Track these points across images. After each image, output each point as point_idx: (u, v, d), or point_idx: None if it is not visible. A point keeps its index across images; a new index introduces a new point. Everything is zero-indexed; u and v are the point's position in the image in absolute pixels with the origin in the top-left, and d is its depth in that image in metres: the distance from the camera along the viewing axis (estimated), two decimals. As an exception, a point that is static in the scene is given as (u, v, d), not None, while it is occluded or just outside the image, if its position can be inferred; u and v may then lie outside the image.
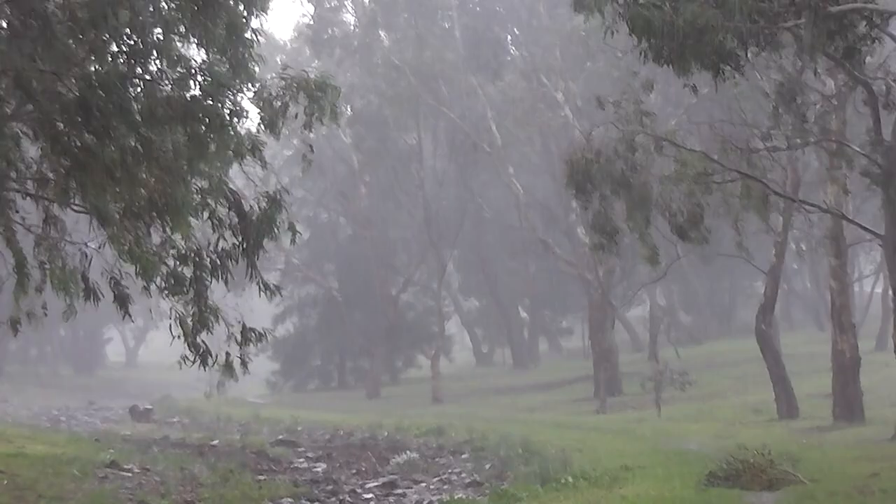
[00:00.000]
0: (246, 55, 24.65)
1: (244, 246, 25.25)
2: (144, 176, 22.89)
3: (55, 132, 21.87)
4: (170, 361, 25.64)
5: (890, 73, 28.07)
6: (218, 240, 25.38)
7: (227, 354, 26.18)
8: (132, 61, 23.38)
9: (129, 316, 25.58)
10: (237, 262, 25.49)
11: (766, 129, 32.05)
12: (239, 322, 26.20)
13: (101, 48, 22.67)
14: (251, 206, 25.24)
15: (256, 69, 24.96)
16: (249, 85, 25.01)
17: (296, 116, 25.56)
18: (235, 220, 25.25)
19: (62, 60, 21.68)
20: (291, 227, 25.75)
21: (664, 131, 32.05)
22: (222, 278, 25.57)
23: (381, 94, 69.63)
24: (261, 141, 25.50)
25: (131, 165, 22.13)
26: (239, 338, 26.18)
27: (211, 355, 25.85)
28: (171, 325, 25.71)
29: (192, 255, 25.39)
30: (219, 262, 25.41)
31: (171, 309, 26.15)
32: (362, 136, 72.91)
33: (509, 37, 72.48)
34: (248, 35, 24.54)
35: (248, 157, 25.37)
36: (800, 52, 25.31)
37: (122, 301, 24.98)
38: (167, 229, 24.32)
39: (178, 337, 25.77)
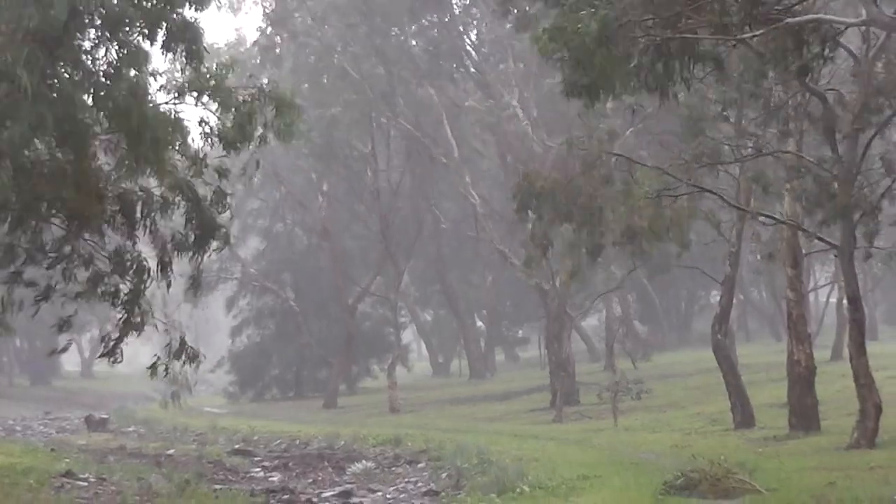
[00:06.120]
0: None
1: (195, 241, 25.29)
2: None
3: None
4: (126, 372, 25.65)
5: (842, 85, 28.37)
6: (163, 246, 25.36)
7: (167, 367, 26.23)
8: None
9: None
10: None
11: (717, 140, 32.29)
12: (180, 336, 26.32)
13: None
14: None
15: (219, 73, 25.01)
16: (210, 93, 24.99)
17: (264, 125, 25.61)
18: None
19: None
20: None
21: (619, 144, 32.10)
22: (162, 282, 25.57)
23: (332, 103, 69.31)
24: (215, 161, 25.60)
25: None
26: (174, 351, 26.24)
27: (119, 357, 25.85)
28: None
29: (130, 262, 25.37)
30: (160, 267, 25.42)
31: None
32: (316, 143, 72.36)
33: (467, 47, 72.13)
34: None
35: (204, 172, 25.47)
36: (754, 65, 25.38)
37: None
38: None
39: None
